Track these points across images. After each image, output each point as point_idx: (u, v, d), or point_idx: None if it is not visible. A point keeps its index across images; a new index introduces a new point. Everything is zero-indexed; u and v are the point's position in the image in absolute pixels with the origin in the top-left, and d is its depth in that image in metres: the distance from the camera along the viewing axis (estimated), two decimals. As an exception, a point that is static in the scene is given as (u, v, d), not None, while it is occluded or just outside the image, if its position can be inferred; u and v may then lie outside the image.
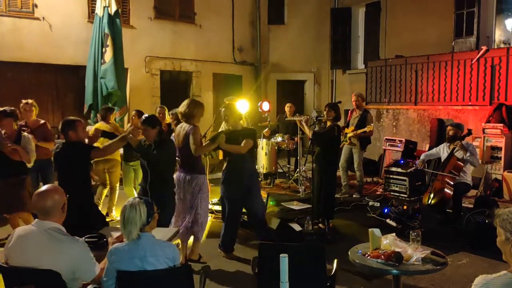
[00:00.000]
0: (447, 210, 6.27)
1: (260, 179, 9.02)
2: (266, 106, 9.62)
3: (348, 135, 7.68)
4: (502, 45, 9.81)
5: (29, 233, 2.67)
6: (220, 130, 6.09)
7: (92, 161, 6.28)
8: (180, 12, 11.82)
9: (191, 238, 4.90)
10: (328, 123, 6.07)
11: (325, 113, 6.06)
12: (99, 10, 9.13)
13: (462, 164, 6.09)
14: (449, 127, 6.40)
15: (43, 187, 2.74)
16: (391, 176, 8.14)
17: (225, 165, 4.98)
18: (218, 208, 6.99)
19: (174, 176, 4.78)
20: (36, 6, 9.55)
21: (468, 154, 6.03)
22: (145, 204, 2.73)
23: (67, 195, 2.80)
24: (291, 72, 13.85)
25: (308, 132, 6.09)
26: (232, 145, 4.77)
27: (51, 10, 9.73)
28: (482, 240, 5.16)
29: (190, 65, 12.09)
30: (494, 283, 1.97)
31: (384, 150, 9.36)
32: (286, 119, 9.08)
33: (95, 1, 9.39)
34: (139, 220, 2.67)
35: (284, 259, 2.17)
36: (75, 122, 4.17)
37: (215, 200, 6.91)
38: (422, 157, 6.70)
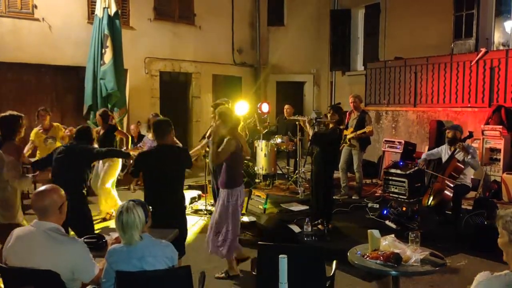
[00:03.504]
0: (446, 211, 6.27)
1: (258, 180, 9.05)
2: (265, 107, 9.63)
3: (348, 136, 7.67)
4: (501, 47, 9.82)
5: (28, 233, 2.67)
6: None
7: None
8: (180, 13, 11.83)
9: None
10: (331, 125, 6.05)
11: (329, 115, 6.05)
12: (99, 11, 9.14)
13: (462, 167, 6.09)
14: (447, 130, 6.42)
15: (42, 187, 2.74)
16: (390, 177, 8.14)
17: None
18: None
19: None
20: (35, 7, 9.55)
21: (469, 156, 6.04)
22: (140, 205, 2.74)
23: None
24: (291, 73, 13.86)
25: (310, 133, 6.08)
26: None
27: (51, 11, 9.73)
28: (481, 241, 5.16)
29: (190, 66, 12.09)
30: (496, 282, 1.98)
31: (384, 151, 9.36)
32: (285, 120, 9.08)
33: (95, 2, 9.40)
34: (139, 222, 2.69)
35: (283, 260, 2.17)
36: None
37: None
38: (423, 156, 6.70)
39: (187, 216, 6.52)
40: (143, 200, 3.38)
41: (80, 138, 4.55)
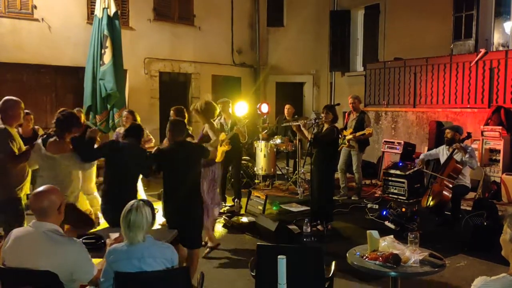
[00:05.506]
0: (446, 212, 6.27)
1: (258, 180, 9.06)
2: (265, 108, 9.64)
3: (347, 137, 7.67)
4: (500, 48, 9.83)
5: (26, 234, 2.66)
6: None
7: None
8: (179, 14, 11.83)
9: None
10: (326, 125, 6.06)
11: (323, 115, 6.06)
12: (98, 12, 9.12)
13: (461, 167, 6.09)
14: (447, 130, 6.41)
15: (40, 188, 2.73)
16: (389, 178, 8.14)
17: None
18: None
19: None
20: (35, 7, 9.55)
21: (467, 156, 6.04)
22: (148, 206, 2.74)
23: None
24: (290, 74, 13.86)
25: (308, 136, 6.07)
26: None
27: (51, 11, 9.72)
28: (480, 242, 5.16)
29: (189, 67, 12.09)
30: (494, 285, 1.98)
31: (383, 152, 9.36)
32: (285, 121, 9.08)
33: (95, 2, 9.39)
34: (146, 223, 2.69)
35: (282, 260, 2.16)
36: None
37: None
38: (421, 156, 6.72)
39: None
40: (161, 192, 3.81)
41: (130, 135, 4.36)
